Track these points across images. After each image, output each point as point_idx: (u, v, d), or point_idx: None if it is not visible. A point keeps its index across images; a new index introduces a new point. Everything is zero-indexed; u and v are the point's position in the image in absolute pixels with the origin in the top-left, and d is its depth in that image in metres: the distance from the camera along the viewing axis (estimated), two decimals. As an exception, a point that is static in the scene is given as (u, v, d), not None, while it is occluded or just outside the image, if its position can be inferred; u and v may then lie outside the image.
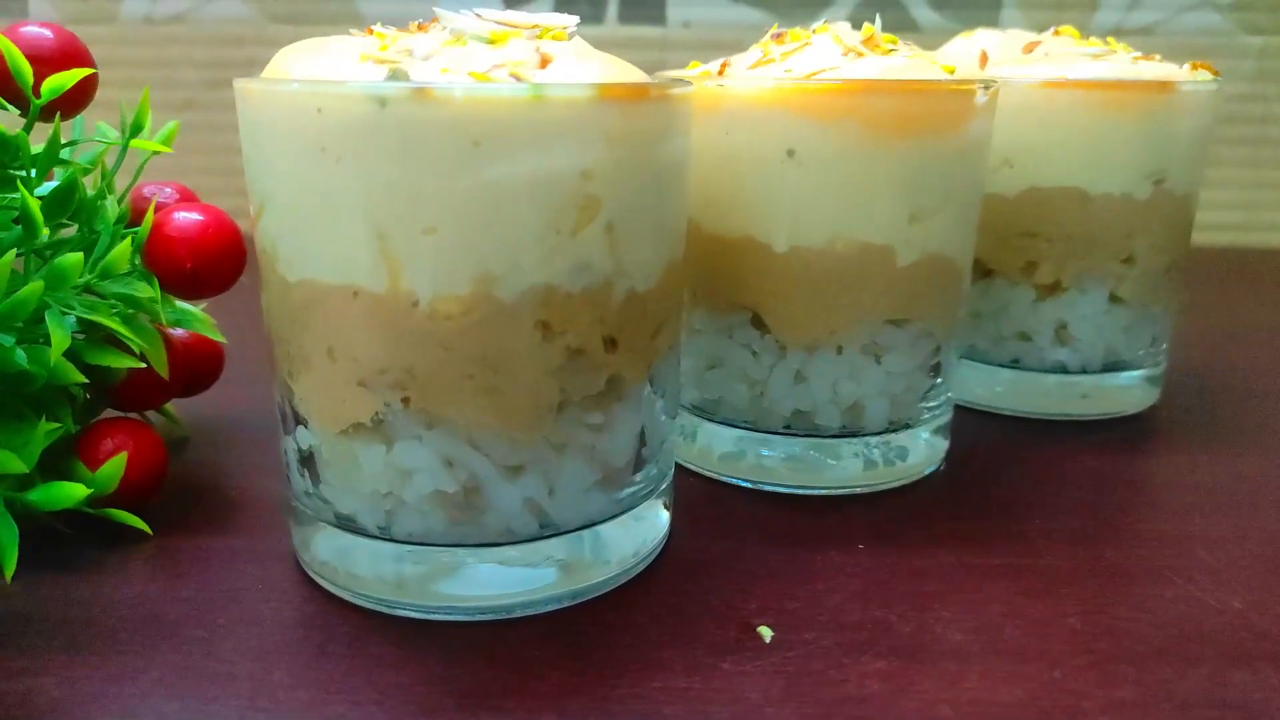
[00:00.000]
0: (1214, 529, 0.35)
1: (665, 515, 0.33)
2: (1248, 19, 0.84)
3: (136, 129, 0.35)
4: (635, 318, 0.29)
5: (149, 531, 0.33)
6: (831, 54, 0.35)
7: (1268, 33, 0.84)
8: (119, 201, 0.36)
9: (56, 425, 0.32)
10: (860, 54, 0.35)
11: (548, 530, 0.29)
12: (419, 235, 0.25)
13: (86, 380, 0.32)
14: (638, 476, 0.31)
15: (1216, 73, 0.44)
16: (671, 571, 0.32)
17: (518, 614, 0.29)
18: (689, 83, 0.30)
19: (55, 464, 0.33)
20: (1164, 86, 0.40)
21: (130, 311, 0.34)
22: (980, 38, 0.46)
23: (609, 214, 0.27)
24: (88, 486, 0.31)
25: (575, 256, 0.27)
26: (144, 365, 0.33)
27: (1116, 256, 0.42)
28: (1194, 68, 0.43)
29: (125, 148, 0.36)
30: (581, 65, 0.27)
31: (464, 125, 0.24)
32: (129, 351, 0.33)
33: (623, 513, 0.31)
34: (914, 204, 0.34)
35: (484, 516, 0.28)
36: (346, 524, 0.29)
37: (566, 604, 0.29)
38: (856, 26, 0.38)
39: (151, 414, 0.41)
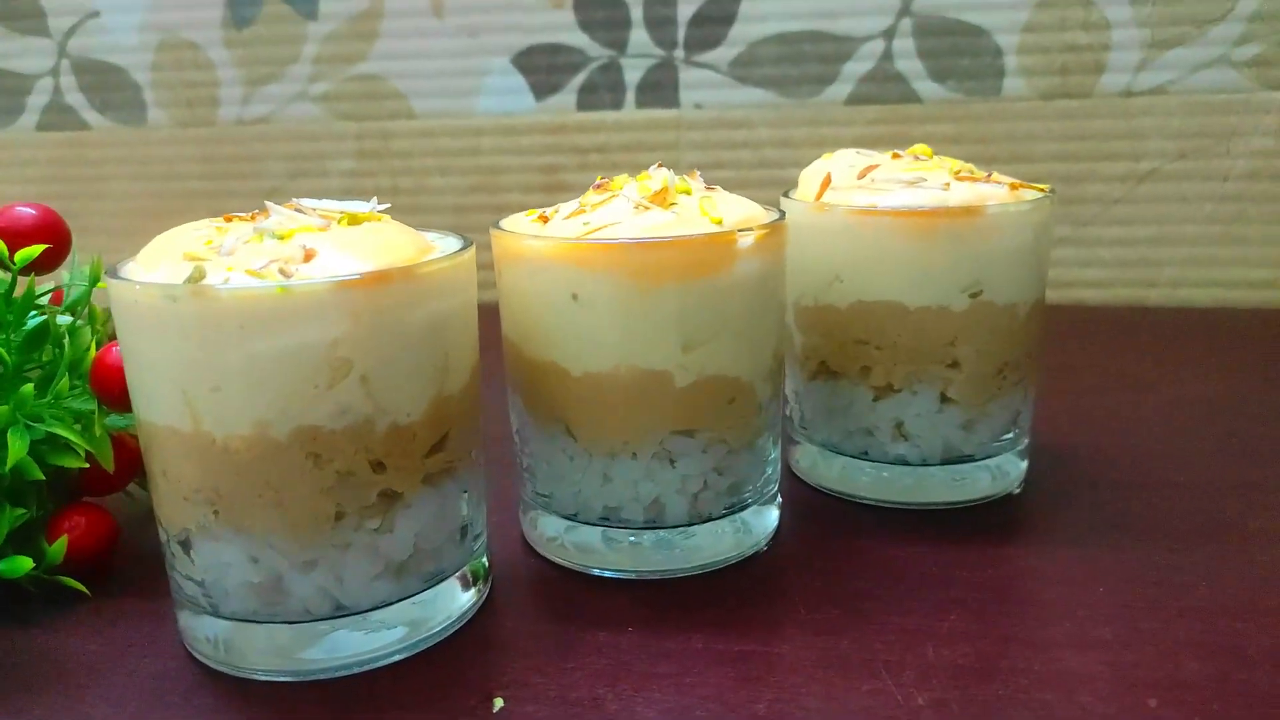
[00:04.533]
0: (961, 626, 0.39)
1: (465, 594, 0.40)
2: (1265, 74, 0.82)
3: (94, 280, 0.46)
4: (402, 443, 0.36)
5: (88, 593, 0.43)
6: (623, 209, 0.41)
7: (1287, 88, 0.82)
8: (95, 330, 0.47)
9: (22, 511, 0.42)
10: (646, 208, 0.41)
11: (342, 611, 0.37)
12: (209, 391, 0.34)
13: (44, 477, 0.42)
14: (428, 564, 0.38)
15: (1048, 189, 0.47)
16: (457, 647, 0.39)
17: (312, 678, 0.37)
18: (469, 244, 0.37)
19: (28, 541, 0.44)
20: (970, 211, 0.44)
21: (87, 420, 0.44)
22: (836, 159, 0.50)
23: (361, 369, 0.34)
24: (40, 559, 0.42)
25: (334, 404, 0.34)
26: (88, 465, 0.43)
27: (941, 361, 0.46)
28: (1015, 188, 0.46)
29: (89, 293, 0.46)
30: (339, 257, 0.34)
31: (230, 314, 0.33)
32: (77, 454, 0.43)
33: (413, 595, 0.38)
34: (685, 336, 0.40)
35: (286, 600, 0.36)
36: (191, 602, 0.38)
37: (355, 670, 0.37)
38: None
39: (134, 488, 0.51)
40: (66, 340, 0.44)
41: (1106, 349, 0.77)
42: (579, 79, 0.92)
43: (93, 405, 0.44)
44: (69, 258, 0.47)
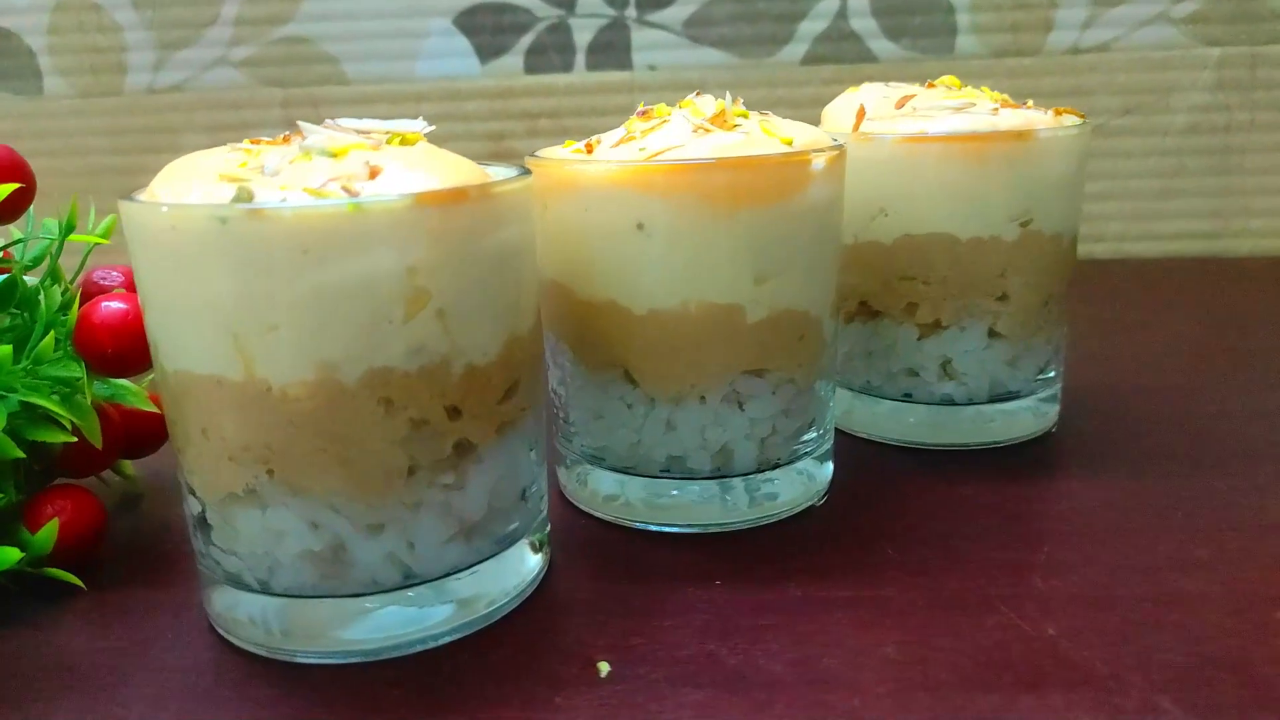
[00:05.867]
0: (1059, 556, 0.37)
1: (534, 558, 0.36)
2: (1204, 31, 0.85)
3: (69, 229, 0.40)
4: (478, 387, 0.32)
5: (83, 586, 0.37)
6: (682, 132, 0.38)
7: (1224, 43, 0.85)
8: (64, 290, 0.41)
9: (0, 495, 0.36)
10: (707, 130, 0.38)
11: (412, 580, 0.33)
12: (265, 332, 0.29)
13: (24, 455, 0.37)
14: (498, 525, 0.34)
15: (1083, 116, 0.46)
16: (538, 610, 0.35)
17: (385, 656, 0.33)
18: (527, 172, 0.34)
19: (4, 529, 0.38)
20: (1021, 135, 0.43)
21: (68, 390, 0.39)
22: (864, 92, 0.48)
23: (439, 302, 0.30)
24: (26, 549, 0.36)
25: (408, 341, 0.30)
26: (76, 439, 0.38)
27: (991, 295, 0.45)
28: (1058, 113, 0.45)
29: (61, 244, 0.40)
30: (408, 174, 0.30)
31: (294, 237, 0.28)
32: (64, 427, 0.38)
33: (485, 559, 0.34)
34: (758, 266, 0.37)
35: (350, 571, 0.32)
36: (234, 580, 0.33)
37: (431, 645, 0.33)
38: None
39: (109, 473, 0.45)
40: (43, 298, 0.38)
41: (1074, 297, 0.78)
42: (526, 40, 0.88)
43: (78, 371, 0.38)
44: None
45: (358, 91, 0.90)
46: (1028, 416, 0.48)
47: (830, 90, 0.87)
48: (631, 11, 0.87)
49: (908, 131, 0.44)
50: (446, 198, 0.30)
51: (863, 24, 0.86)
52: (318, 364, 0.29)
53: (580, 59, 0.88)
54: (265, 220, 0.28)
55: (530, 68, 0.88)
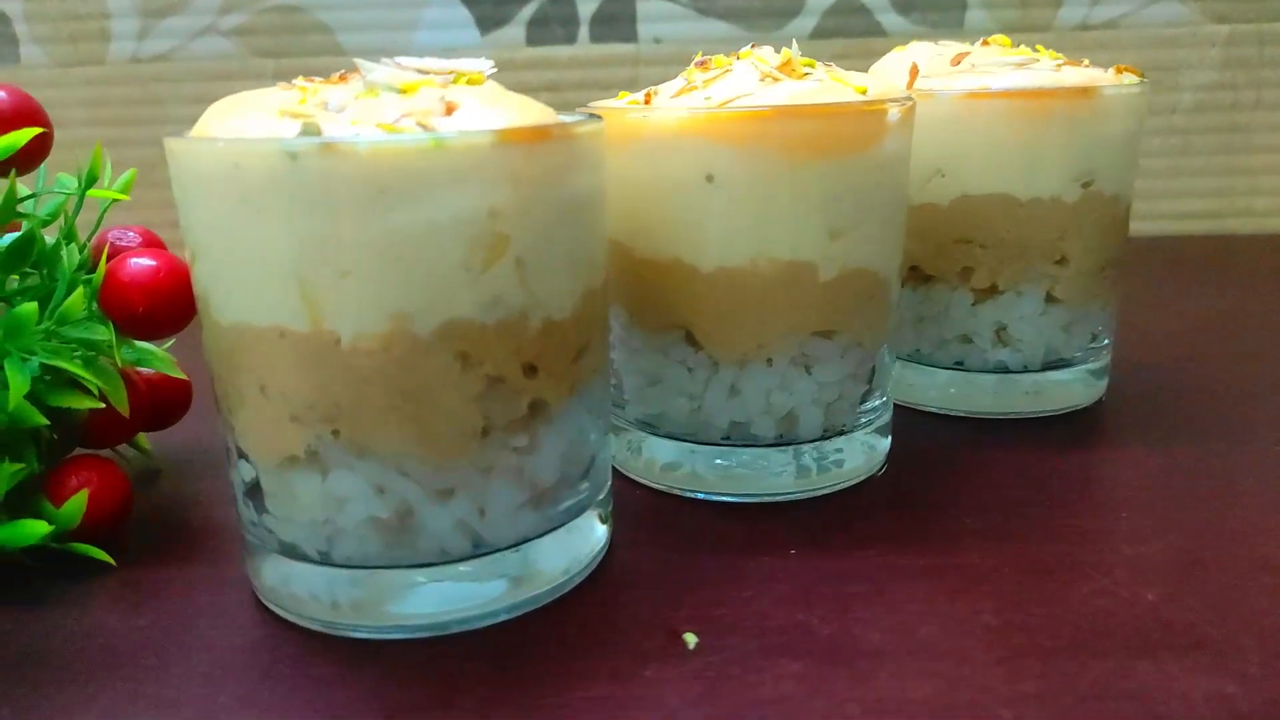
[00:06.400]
0: (1139, 523, 0.36)
1: (601, 528, 0.34)
2: (1212, 8, 0.84)
3: (91, 180, 0.37)
4: (554, 344, 0.30)
5: (112, 563, 0.35)
6: (749, 80, 0.36)
7: (1232, 20, 0.84)
8: (81, 249, 0.38)
9: (20, 466, 0.34)
10: (776, 79, 0.36)
11: (481, 549, 0.30)
12: (336, 279, 0.27)
13: (47, 423, 0.34)
14: (568, 493, 0.32)
15: (1142, 75, 0.45)
16: (608, 583, 0.33)
17: (454, 630, 0.30)
18: (597, 117, 0.32)
19: (24, 502, 0.35)
20: (1086, 92, 0.41)
21: (91, 354, 0.36)
22: (913, 51, 0.47)
23: (518, 250, 0.28)
24: (51, 523, 0.33)
25: (487, 291, 0.28)
26: (104, 405, 0.35)
27: (1050, 258, 0.43)
28: (1119, 71, 0.44)
29: (82, 198, 0.37)
30: (486, 111, 0.28)
31: (370, 175, 0.26)
32: (89, 393, 0.35)
33: (555, 528, 0.32)
34: (832, 221, 0.35)
35: (418, 539, 0.30)
36: (290, 551, 0.30)
37: (502, 619, 0.31)
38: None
39: (125, 447, 0.43)
40: (65, 255, 0.36)
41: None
42: (528, 10, 0.85)
43: (105, 334, 0.35)
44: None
45: (353, 63, 0.86)
46: (1079, 386, 0.46)
47: (840, 64, 0.86)
48: (637, -18, 0.85)
49: (969, 87, 0.42)
50: (530, 135, 0.28)
51: (872, -2, 0.85)
52: (391, 314, 0.27)
53: (584, 31, 0.86)
54: (339, 156, 0.26)
55: (532, 39, 0.86)
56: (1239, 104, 0.86)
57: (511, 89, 0.31)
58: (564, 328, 0.30)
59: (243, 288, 0.28)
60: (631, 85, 0.88)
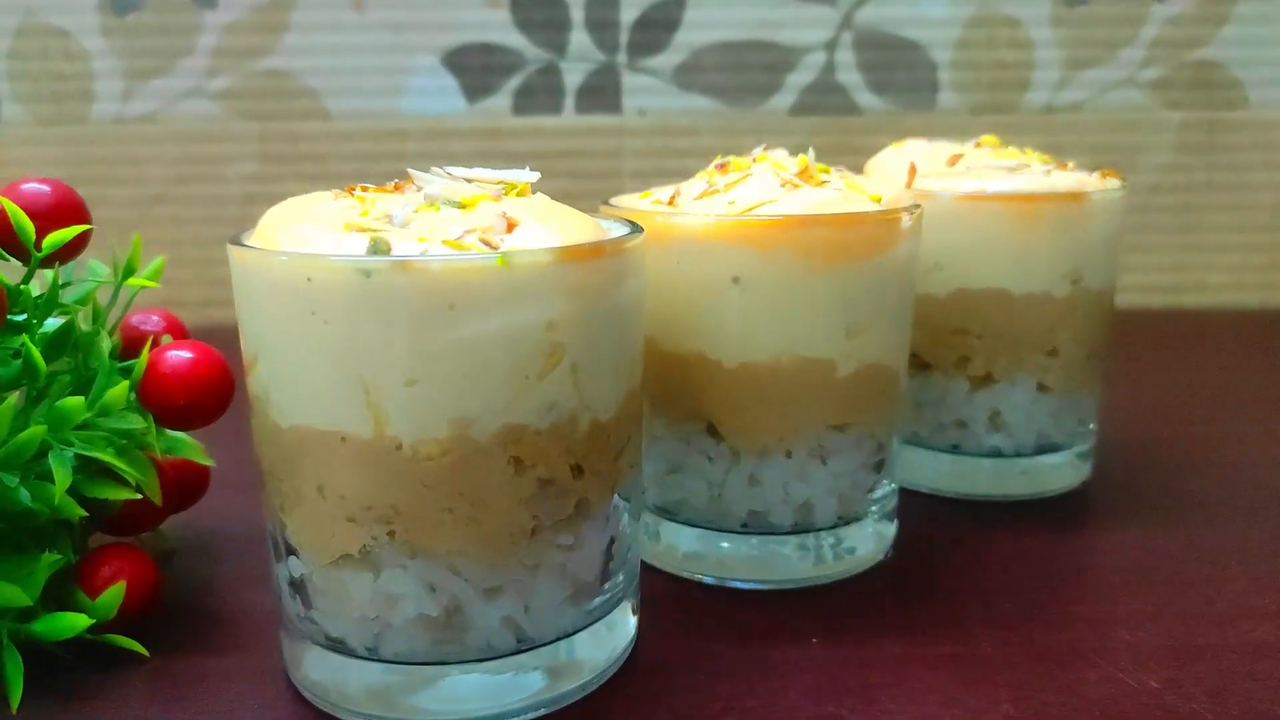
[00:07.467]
0: (1136, 608, 0.38)
1: (633, 620, 0.36)
2: (1167, 96, 0.89)
3: (129, 272, 0.38)
4: (599, 445, 0.32)
5: (146, 654, 0.35)
6: (770, 186, 0.38)
7: (1185, 107, 0.89)
8: (110, 334, 0.39)
9: (58, 557, 0.34)
10: (796, 185, 0.38)
11: (525, 645, 0.31)
12: (401, 386, 0.28)
13: (87, 515, 0.34)
14: (606, 586, 0.33)
15: (1124, 178, 0.48)
16: (639, 673, 0.34)
17: (498, 726, 0.31)
18: (639, 228, 0.33)
19: (55, 592, 0.35)
20: (1076, 196, 0.44)
21: (123, 443, 0.36)
22: (909, 149, 0.49)
23: (573, 357, 0.30)
24: (89, 615, 0.34)
25: (543, 397, 0.29)
26: (140, 496, 0.36)
27: (1041, 349, 0.46)
28: (1103, 176, 0.47)
29: (118, 288, 0.38)
30: (543, 228, 0.30)
31: (440, 291, 0.27)
32: (124, 482, 0.35)
33: (594, 622, 0.33)
34: (850, 321, 0.37)
35: (465, 635, 0.30)
36: (336, 645, 0.31)
37: (543, 712, 0.32)
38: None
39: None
40: (104, 344, 0.36)
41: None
42: (515, 81, 0.87)
43: (140, 423, 0.36)
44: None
45: (338, 128, 0.88)
46: (1068, 469, 0.49)
47: (817, 140, 0.89)
48: (622, 57, 0.87)
49: (967, 190, 0.45)
50: (586, 253, 0.30)
51: (849, 77, 0.88)
52: (453, 420, 0.28)
53: (570, 102, 0.88)
54: (412, 273, 0.27)
55: (518, 109, 0.88)
56: (1192, 185, 0.91)
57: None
58: (607, 428, 0.32)
59: (306, 392, 0.29)
60: (616, 155, 0.90)
